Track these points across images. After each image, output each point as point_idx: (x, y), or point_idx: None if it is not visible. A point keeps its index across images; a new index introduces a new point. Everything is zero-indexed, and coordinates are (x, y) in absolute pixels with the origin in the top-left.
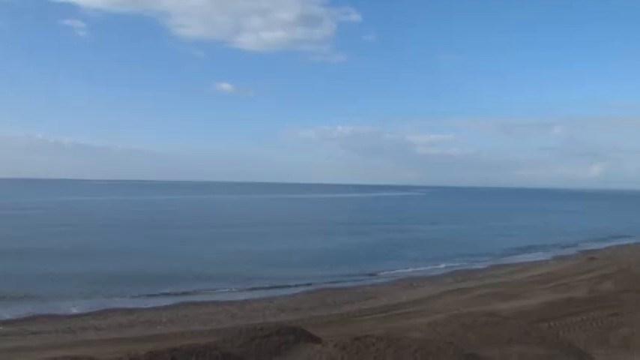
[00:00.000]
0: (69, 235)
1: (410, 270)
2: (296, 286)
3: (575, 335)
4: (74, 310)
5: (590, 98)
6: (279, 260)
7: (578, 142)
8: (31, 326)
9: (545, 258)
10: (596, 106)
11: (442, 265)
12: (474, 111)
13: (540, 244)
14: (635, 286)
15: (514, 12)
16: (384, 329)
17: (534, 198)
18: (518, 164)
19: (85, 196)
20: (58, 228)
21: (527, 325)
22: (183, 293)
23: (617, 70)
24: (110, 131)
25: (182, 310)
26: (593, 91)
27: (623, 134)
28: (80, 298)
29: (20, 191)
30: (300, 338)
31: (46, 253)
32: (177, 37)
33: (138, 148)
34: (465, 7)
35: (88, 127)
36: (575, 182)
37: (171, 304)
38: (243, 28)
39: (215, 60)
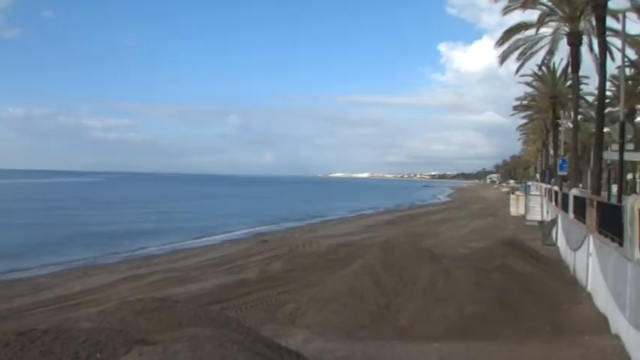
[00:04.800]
0: None
1: (85, 258)
2: None
3: (247, 314)
4: None
5: (264, 90)
6: None
7: (253, 131)
8: None
9: (221, 241)
10: (270, 98)
11: (118, 251)
12: (153, 97)
13: (217, 227)
14: (301, 265)
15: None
16: (55, 322)
17: (212, 183)
18: (196, 151)
19: None
20: None
21: (198, 308)
22: None
23: (288, 66)
24: None
25: None
26: (267, 83)
27: (293, 124)
28: None
29: None
30: None
31: None
32: None
33: None
34: None
35: None
36: (250, 168)
37: None
38: None
39: None
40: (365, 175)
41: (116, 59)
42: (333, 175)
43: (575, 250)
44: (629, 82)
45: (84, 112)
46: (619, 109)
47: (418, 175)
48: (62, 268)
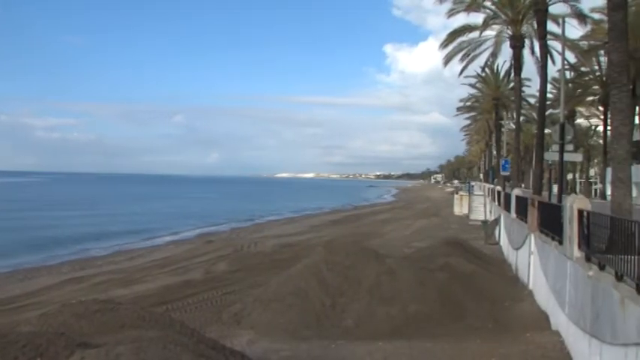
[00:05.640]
0: None
1: (27, 261)
2: None
3: (192, 315)
4: None
5: (210, 90)
6: None
7: (197, 131)
8: None
9: (166, 242)
10: (213, 97)
11: (61, 253)
12: (98, 96)
13: (161, 228)
14: (247, 265)
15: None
16: None
17: (158, 183)
18: (142, 151)
19: None
20: None
21: (142, 310)
22: None
23: (233, 66)
24: None
25: None
26: (210, 83)
27: (239, 124)
28: None
29: None
30: None
31: None
32: None
33: None
34: None
35: None
36: (196, 168)
37: None
38: None
39: None
40: (310, 175)
41: (60, 58)
42: (278, 175)
43: (517, 249)
44: (569, 84)
45: (26, 111)
46: (559, 111)
47: (363, 175)
48: (2, 271)
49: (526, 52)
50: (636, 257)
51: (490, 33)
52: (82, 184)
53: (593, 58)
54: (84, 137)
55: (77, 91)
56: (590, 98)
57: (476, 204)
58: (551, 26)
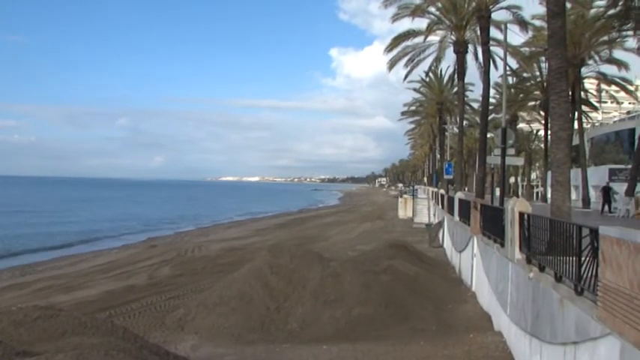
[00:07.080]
0: None
1: None
2: None
3: (135, 321)
4: None
5: (154, 93)
6: None
7: (142, 134)
8: None
9: (109, 247)
10: (160, 101)
11: (1, 259)
12: (39, 98)
13: (105, 233)
14: (191, 270)
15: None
16: None
17: (101, 187)
18: (85, 153)
19: None
20: None
21: (83, 316)
22: None
23: (178, 69)
24: None
25: None
26: (157, 87)
27: (183, 127)
28: None
29: None
30: None
31: None
32: None
33: None
34: None
35: None
36: (140, 172)
37: None
38: None
39: None
40: (255, 178)
41: (0, 57)
42: (222, 178)
43: (460, 251)
44: (512, 90)
45: None
46: (502, 116)
47: (308, 179)
48: None
49: (469, 57)
50: (574, 258)
51: (434, 38)
52: (22, 187)
53: (535, 64)
54: (25, 139)
55: (18, 92)
56: (532, 103)
57: (420, 207)
58: (494, 32)
